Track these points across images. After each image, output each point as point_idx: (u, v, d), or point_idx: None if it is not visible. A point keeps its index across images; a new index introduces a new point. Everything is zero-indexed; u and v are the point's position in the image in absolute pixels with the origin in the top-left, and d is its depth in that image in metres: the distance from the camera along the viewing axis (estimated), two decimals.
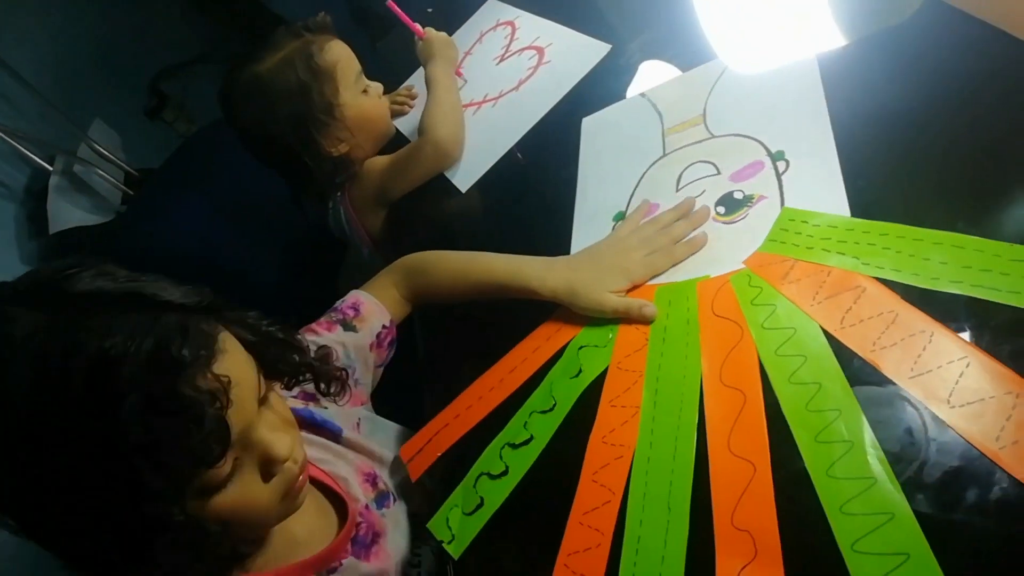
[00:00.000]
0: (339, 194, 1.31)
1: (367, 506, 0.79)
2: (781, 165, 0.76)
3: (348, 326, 0.90)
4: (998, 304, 0.54)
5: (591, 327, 0.77)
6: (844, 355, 0.59)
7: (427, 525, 0.75)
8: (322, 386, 0.80)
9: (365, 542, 0.77)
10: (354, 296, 0.95)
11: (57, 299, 0.54)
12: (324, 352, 0.83)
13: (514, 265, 0.85)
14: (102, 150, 2.22)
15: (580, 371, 0.74)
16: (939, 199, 0.63)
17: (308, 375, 0.78)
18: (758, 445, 0.58)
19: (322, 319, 0.91)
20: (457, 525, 0.72)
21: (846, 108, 0.75)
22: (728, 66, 0.90)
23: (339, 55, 1.22)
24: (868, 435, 0.54)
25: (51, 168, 2.10)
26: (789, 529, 0.53)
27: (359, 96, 1.24)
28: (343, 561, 0.73)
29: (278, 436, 0.62)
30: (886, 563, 0.48)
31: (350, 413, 0.87)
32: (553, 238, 0.90)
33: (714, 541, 0.56)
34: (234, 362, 0.58)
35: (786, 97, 0.81)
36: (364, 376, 0.91)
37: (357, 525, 0.77)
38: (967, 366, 0.53)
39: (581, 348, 0.76)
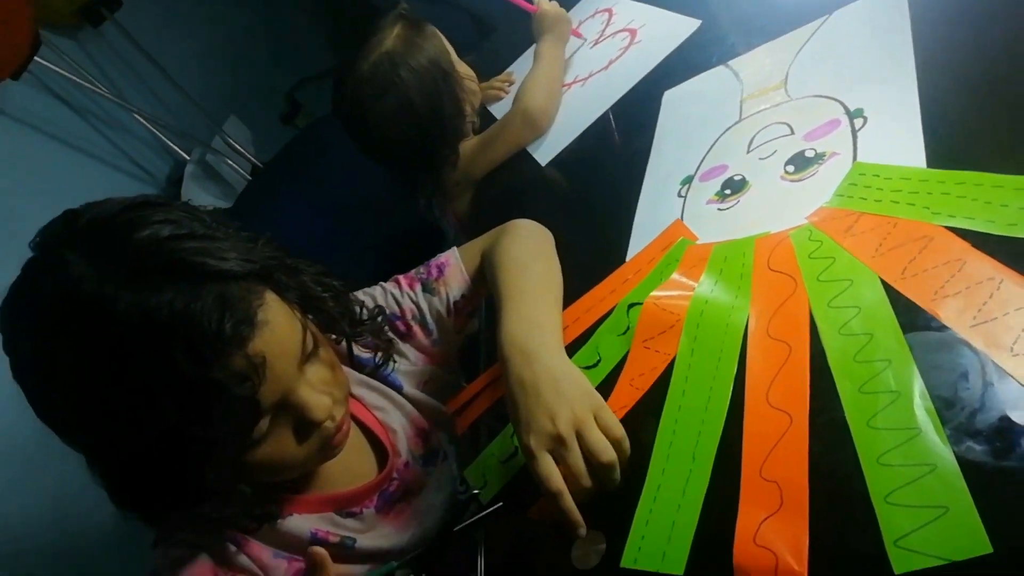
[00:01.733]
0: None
1: (407, 463, 0.79)
2: (858, 122, 0.71)
3: (427, 287, 0.88)
4: None
5: (643, 286, 0.75)
6: (902, 305, 0.54)
7: (463, 472, 0.74)
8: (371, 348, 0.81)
9: (393, 498, 0.77)
10: (447, 256, 0.91)
11: (111, 248, 0.53)
12: (376, 324, 0.82)
13: (505, 315, 0.72)
14: (234, 143, 2.40)
15: (627, 328, 0.71)
16: None
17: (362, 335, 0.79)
18: (798, 397, 0.54)
19: (411, 272, 0.91)
20: (492, 472, 0.71)
21: (935, 52, 0.69)
22: (816, 31, 0.85)
23: (432, 41, 1.21)
24: (918, 385, 0.49)
25: (188, 157, 2.29)
26: (821, 482, 0.49)
27: (465, 78, 1.26)
28: (364, 510, 0.74)
29: (317, 398, 0.62)
30: (921, 516, 0.43)
31: (422, 370, 0.87)
32: (624, 210, 0.88)
33: (739, 493, 0.52)
34: (274, 335, 0.57)
35: (870, 55, 0.76)
36: (441, 337, 0.89)
37: (391, 480, 0.77)
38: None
39: (631, 307, 0.73)
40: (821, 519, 0.47)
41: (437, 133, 1.21)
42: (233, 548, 0.66)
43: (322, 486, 0.73)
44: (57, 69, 1.91)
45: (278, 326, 0.58)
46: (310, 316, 0.67)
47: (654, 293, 0.70)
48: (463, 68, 1.28)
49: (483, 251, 0.89)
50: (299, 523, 0.70)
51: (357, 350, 0.83)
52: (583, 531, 0.57)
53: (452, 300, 0.88)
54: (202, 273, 0.54)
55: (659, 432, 0.60)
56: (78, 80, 1.98)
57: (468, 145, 1.28)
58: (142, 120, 2.20)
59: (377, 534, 0.75)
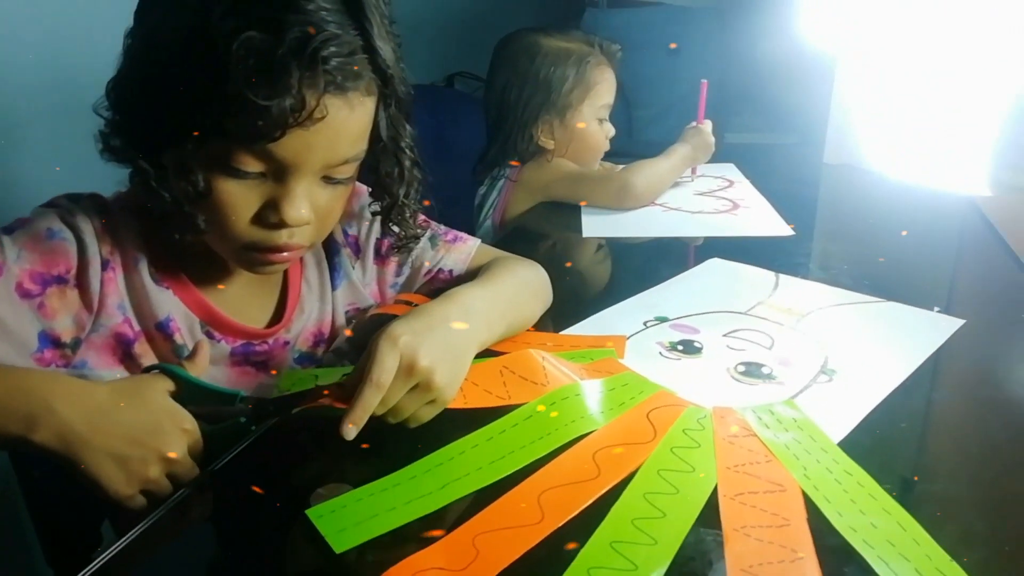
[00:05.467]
0: (508, 171, 1.35)
1: (286, 343, 0.77)
2: (824, 377, 0.69)
3: (433, 241, 0.85)
4: None
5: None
6: (710, 516, 0.51)
7: (282, 373, 0.72)
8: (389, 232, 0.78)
9: (250, 358, 0.74)
10: (469, 238, 0.88)
11: None
12: (415, 230, 0.79)
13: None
14: None
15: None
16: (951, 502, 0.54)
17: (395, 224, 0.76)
18: (565, 508, 0.51)
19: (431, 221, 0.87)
20: (301, 383, 0.68)
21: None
22: (872, 304, 0.85)
23: (605, 80, 1.32)
24: (656, 572, 0.46)
25: None
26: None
27: (593, 121, 1.33)
28: (223, 340, 0.72)
29: (303, 205, 0.62)
30: None
31: (363, 296, 0.83)
32: (599, 306, 0.87)
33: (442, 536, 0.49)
34: (345, 124, 0.60)
35: (885, 354, 0.75)
36: (401, 287, 0.87)
37: (264, 343, 0.75)
38: None
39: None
40: None
41: (518, 117, 1.29)
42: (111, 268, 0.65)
43: (213, 295, 0.71)
44: None
45: (356, 122, 0.61)
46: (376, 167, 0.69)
47: (552, 355, 0.69)
48: (606, 120, 1.34)
49: (494, 259, 0.87)
50: (167, 299, 0.68)
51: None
52: (354, 432, 0.55)
53: (437, 268, 0.86)
54: (361, 11, 0.58)
55: (443, 449, 0.58)
56: None
57: (565, 164, 1.32)
58: None
59: (210, 370, 0.72)
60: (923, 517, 0.50)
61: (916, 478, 0.58)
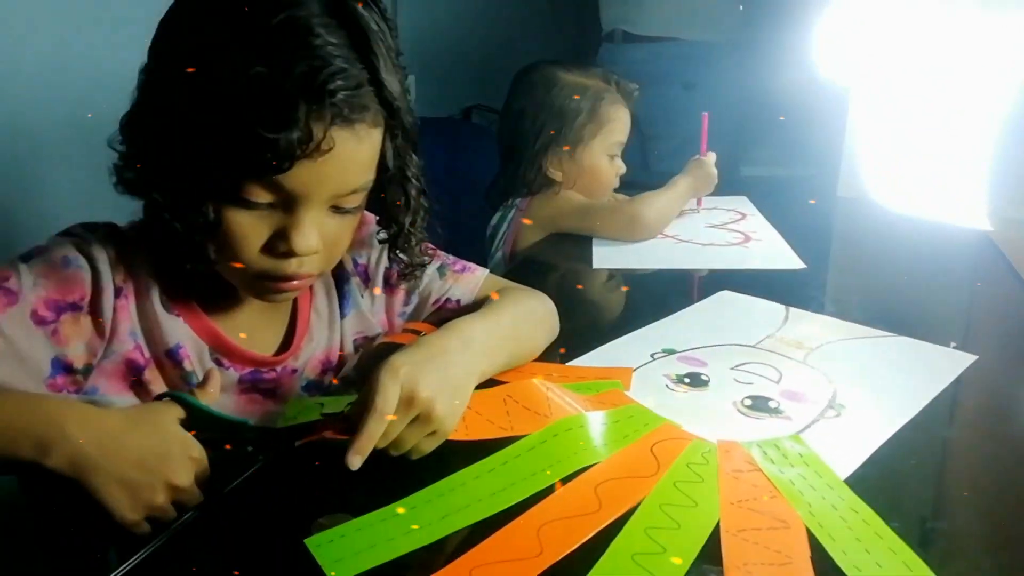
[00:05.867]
0: (518, 201, 1.36)
1: (294, 371, 0.77)
2: (832, 412, 0.69)
3: (442, 271, 0.85)
4: None
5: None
6: (711, 551, 0.50)
7: (289, 402, 0.72)
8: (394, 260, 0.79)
9: (258, 386, 0.75)
10: (477, 268, 0.88)
11: None
12: (420, 256, 0.79)
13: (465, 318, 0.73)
14: None
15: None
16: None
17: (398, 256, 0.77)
18: (564, 540, 0.51)
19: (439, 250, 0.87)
20: (306, 414, 0.69)
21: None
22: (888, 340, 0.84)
23: (619, 118, 1.33)
24: None
25: None
26: None
27: (604, 157, 1.34)
28: (231, 368, 0.72)
29: (311, 233, 0.63)
30: None
31: (371, 325, 0.83)
32: (605, 337, 0.87)
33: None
34: (352, 155, 0.61)
35: (890, 377, 0.74)
36: (409, 318, 0.86)
37: (272, 370, 0.75)
38: None
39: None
40: None
41: (528, 147, 1.30)
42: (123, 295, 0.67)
43: (223, 323, 0.72)
44: None
45: (362, 154, 0.62)
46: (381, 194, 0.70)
47: (556, 385, 0.69)
48: (617, 158, 1.35)
49: (500, 289, 0.86)
50: (177, 326, 0.69)
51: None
52: (359, 462, 0.55)
53: (444, 298, 0.86)
54: (368, 46, 0.60)
55: (445, 480, 0.58)
56: None
57: (573, 196, 1.32)
58: None
59: (219, 398, 0.72)
60: (932, 555, 0.49)
61: (928, 517, 0.57)
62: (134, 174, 0.64)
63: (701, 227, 1.34)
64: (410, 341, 0.67)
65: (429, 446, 0.61)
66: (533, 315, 0.81)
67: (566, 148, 1.30)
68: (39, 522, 0.71)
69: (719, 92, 1.88)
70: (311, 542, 0.52)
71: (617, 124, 1.33)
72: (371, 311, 0.84)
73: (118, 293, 0.66)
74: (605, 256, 1.19)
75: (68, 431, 0.53)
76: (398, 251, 0.76)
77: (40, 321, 0.62)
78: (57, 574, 0.73)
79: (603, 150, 1.32)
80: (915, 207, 1.34)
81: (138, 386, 0.68)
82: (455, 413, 0.62)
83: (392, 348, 0.64)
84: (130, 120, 0.64)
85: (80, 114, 1.25)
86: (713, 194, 1.42)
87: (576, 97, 1.29)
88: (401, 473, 0.59)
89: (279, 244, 0.63)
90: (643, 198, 1.27)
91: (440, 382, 0.60)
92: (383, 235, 0.77)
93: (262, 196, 0.61)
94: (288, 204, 0.62)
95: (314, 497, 0.60)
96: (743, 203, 1.50)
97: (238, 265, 0.64)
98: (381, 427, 0.56)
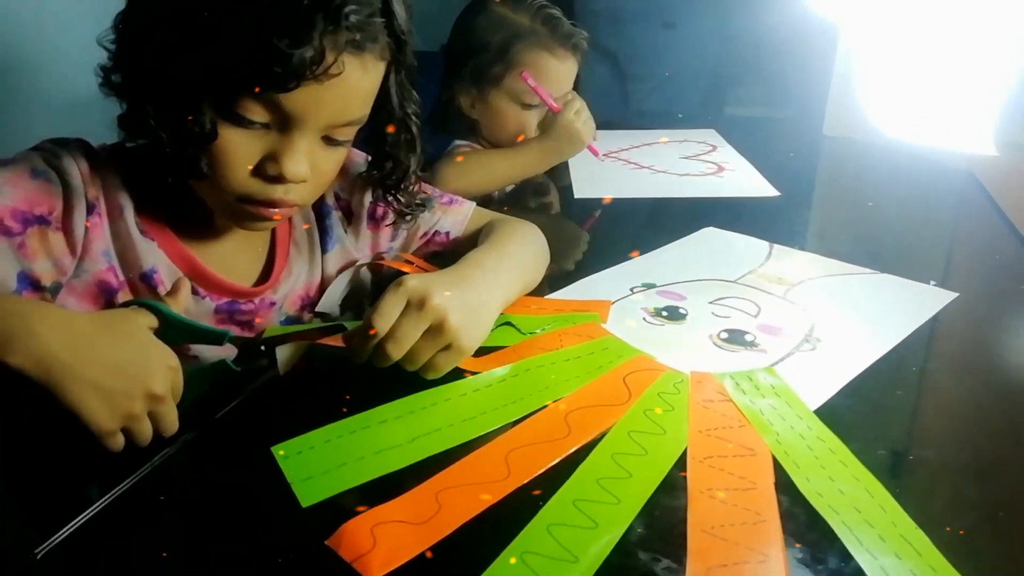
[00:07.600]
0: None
1: (272, 304, 0.76)
2: (808, 344, 0.69)
3: (428, 203, 0.83)
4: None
5: (539, 318, 0.73)
6: (676, 477, 0.51)
7: (267, 329, 0.72)
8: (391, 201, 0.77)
9: (235, 317, 0.74)
10: (465, 201, 0.87)
11: None
12: (414, 196, 0.79)
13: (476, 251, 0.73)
14: None
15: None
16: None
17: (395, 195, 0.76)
18: (534, 465, 0.51)
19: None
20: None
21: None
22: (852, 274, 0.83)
23: (537, 65, 1.14)
24: (616, 530, 0.46)
25: None
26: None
27: (513, 105, 1.17)
28: (207, 297, 0.72)
29: (302, 160, 0.61)
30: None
31: (360, 253, 0.83)
32: (592, 268, 0.87)
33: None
34: (357, 84, 0.60)
35: (868, 313, 0.74)
36: (396, 252, 0.85)
37: (249, 302, 0.74)
38: (761, 562, 0.44)
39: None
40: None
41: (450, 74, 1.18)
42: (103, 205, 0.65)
43: (199, 251, 0.71)
44: None
45: (362, 81, 0.61)
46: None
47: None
48: (536, 110, 1.18)
49: (492, 221, 0.85)
50: (152, 250, 0.67)
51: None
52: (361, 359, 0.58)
53: (434, 231, 0.85)
54: None
55: (415, 396, 0.58)
56: None
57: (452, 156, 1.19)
58: None
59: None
60: (901, 484, 0.50)
61: (898, 447, 0.57)
62: (122, 76, 0.61)
63: (676, 158, 1.36)
64: (405, 268, 0.66)
65: (446, 363, 0.60)
66: (533, 244, 0.81)
67: (476, 86, 1.17)
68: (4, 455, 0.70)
69: (700, 31, 1.83)
70: (277, 450, 0.52)
71: (547, 74, 1.13)
72: (355, 247, 0.83)
73: (91, 210, 0.64)
74: (586, 185, 1.21)
75: (35, 328, 0.48)
76: (397, 192, 0.76)
77: (5, 231, 0.59)
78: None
79: (516, 95, 1.15)
80: (904, 139, 1.32)
81: (109, 309, 0.67)
82: (473, 328, 0.61)
83: (392, 275, 0.64)
84: (125, 17, 0.60)
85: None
86: (681, 127, 1.42)
87: (491, 32, 1.13)
88: (382, 393, 0.59)
89: (269, 167, 0.61)
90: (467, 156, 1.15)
91: (457, 299, 0.60)
92: (375, 174, 0.75)
93: (259, 114, 0.59)
94: (283, 126, 0.60)
95: (297, 415, 0.58)
96: (712, 135, 1.51)
97: (222, 185, 0.62)
98: (379, 323, 0.57)
